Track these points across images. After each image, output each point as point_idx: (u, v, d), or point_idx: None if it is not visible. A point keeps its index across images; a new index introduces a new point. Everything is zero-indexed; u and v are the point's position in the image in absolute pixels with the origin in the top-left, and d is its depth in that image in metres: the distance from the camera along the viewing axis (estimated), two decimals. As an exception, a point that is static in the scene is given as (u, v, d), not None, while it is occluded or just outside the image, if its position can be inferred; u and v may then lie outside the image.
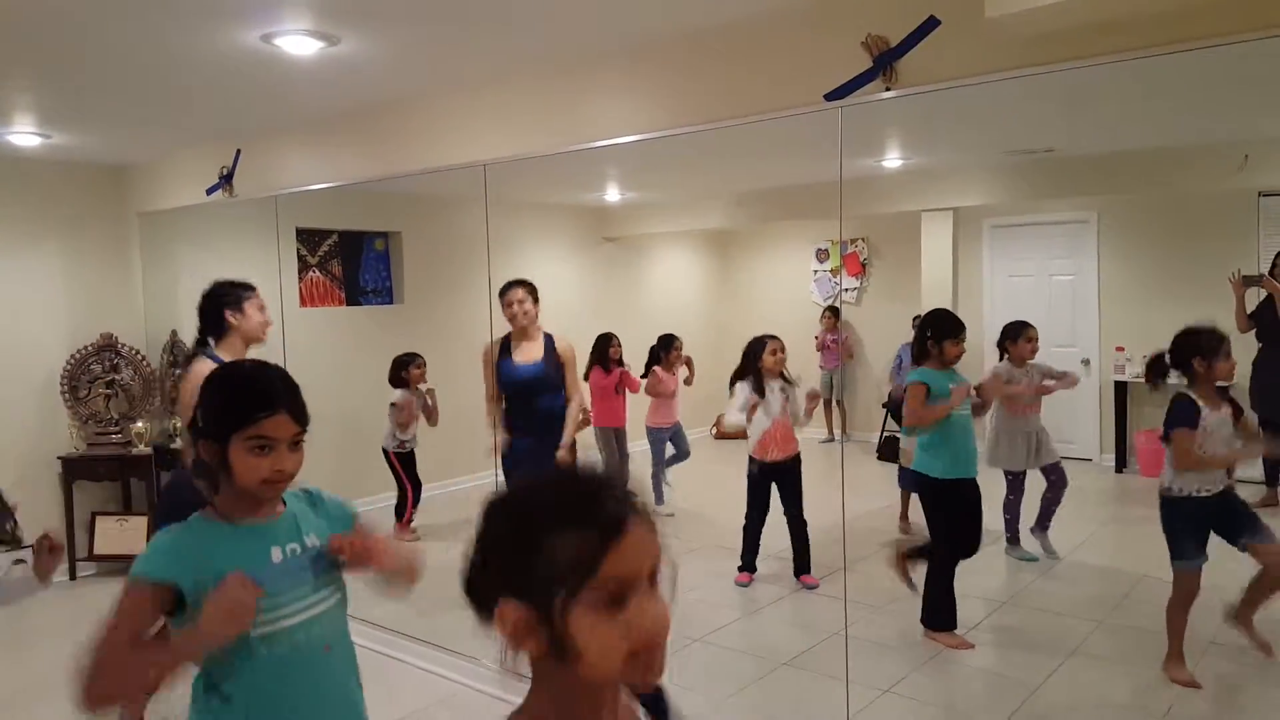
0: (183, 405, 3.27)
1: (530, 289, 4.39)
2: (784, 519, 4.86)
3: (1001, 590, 4.64)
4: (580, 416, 4.46)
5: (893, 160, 5.65)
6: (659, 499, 6.21)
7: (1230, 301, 5.33)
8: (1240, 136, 5.02)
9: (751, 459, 4.90)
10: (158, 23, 3.00)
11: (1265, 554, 3.44)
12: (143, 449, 5.62)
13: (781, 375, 4.88)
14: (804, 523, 4.82)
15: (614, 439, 6.24)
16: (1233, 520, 3.48)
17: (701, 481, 6.26)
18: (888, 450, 7.93)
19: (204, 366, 3.10)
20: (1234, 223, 6.61)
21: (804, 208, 7.12)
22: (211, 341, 3.38)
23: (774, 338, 4.93)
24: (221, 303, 3.37)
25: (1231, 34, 2.19)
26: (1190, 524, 3.46)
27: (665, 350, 6.27)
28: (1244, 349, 5.31)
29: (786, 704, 3.65)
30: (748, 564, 4.97)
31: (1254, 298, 5.36)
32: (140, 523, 5.61)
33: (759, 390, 4.82)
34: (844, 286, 9.03)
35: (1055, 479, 4.86)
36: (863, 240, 8.91)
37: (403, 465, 5.84)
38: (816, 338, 8.41)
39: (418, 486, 5.93)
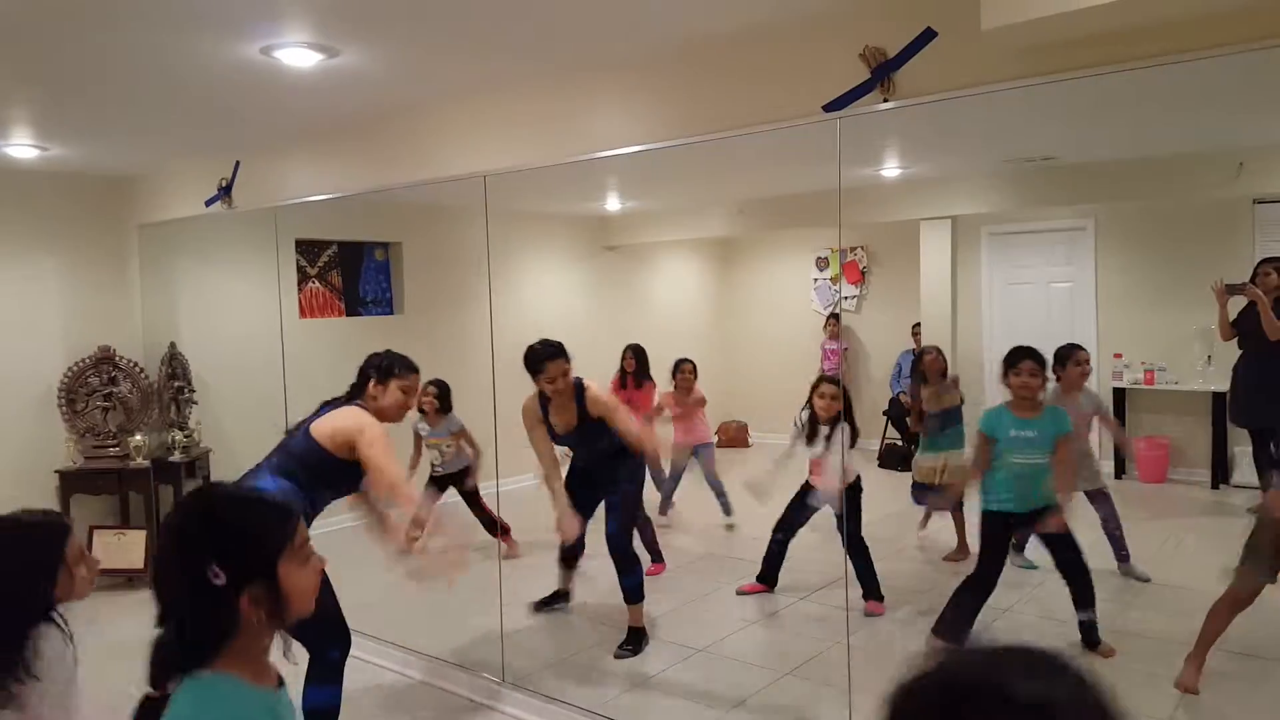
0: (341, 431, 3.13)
1: (565, 355, 4.04)
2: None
3: (1001, 597, 4.63)
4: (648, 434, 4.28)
5: (891, 169, 5.67)
6: (663, 509, 6.23)
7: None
8: (1235, 144, 5.05)
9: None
10: (157, 35, 3.01)
11: None
12: (141, 462, 5.62)
13: (840, 417, 4.58)
14: (865, 546, 4.62)
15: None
16: None
17: (704, 492, 6.26)
18: (888, 458, 7.93)
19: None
20: (1229, 230, 6.64)
21: (804, 216, 7.14)
22: (344, 400, 3.30)
23: (829, 381, 4.77)
24: (370, 371, 3.31)
25: (1225, 45, 2.21)
26: None
27: (674, 373, 6.21)
28: (1228, 355, 5.35)
29: (789, 714, 3.64)
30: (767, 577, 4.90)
31: (1238, 305, 5.39)
32: (139, 536, 5.60)
33: (809, 437, 4.69)
34: (844, 294, 9.05)
35: (1098, 504, 4.73)
36: (862, 248, 8.93)
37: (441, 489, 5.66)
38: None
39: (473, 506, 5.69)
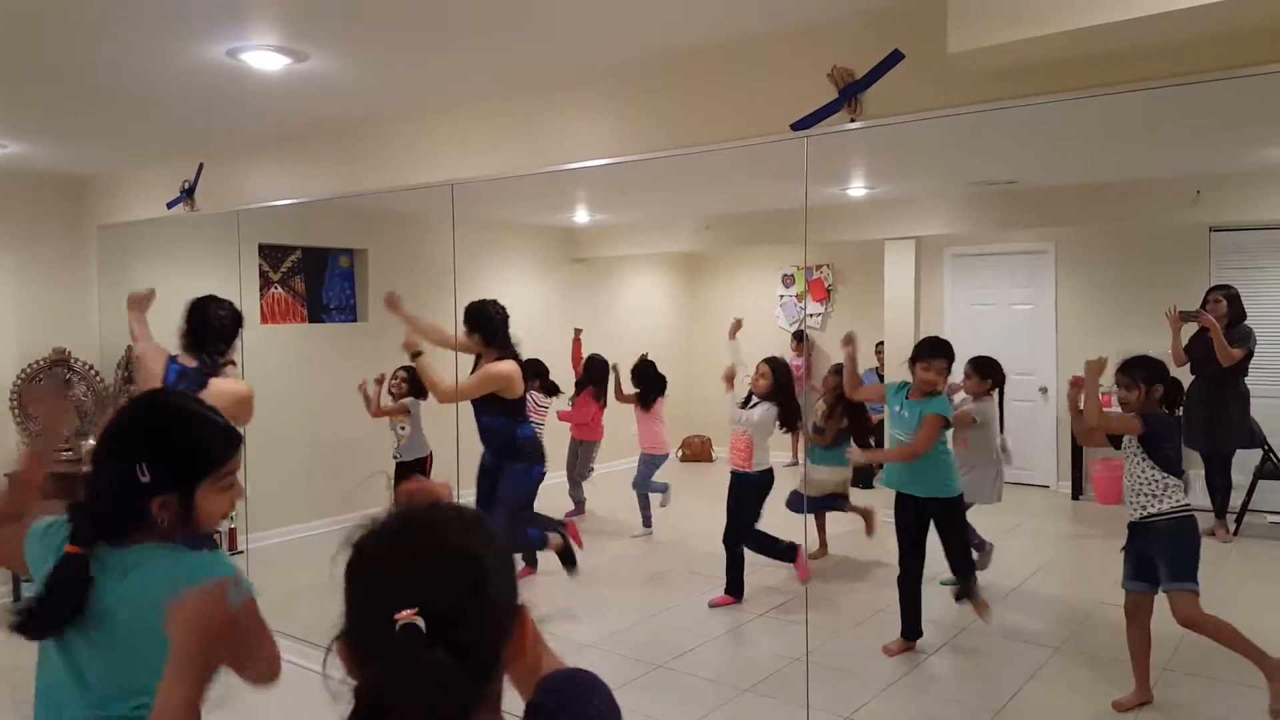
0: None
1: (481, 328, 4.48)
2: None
3: (960, 615, 4.66)
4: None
5: (857, 189, 5.72)
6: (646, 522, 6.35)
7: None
8: (1193, 172, 5.15)
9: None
10: (120, 34, 2.97)
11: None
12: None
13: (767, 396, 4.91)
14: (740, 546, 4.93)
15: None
16: None
17: (675, 505, 6.27)
18: (853, 475, 7.97)
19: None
20: (1186, 256, 6.76)
21: (770, 233, 7.18)
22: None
23: (766, 361, 5.05)
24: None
25: (1184, 75, 2.25)
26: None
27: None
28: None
29: (746, 730, 3.64)
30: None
31: (1192, 331, 5.50)
32: (91, 542, 5.49)
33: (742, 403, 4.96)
34: (809, 312, 9.11)
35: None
36: (828, 266, 8.99)
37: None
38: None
39: None
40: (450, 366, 4.55)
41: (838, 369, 5.57)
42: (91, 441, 5.53)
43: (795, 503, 5.29)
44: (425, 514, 1.03)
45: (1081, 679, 4.00)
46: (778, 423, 4.89)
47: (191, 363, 3.47)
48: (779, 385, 4.87)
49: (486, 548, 1.00)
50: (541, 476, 4.72)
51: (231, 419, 2.79)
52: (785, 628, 4.60)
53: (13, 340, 5.56)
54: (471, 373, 4.51)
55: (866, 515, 5.58)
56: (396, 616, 0.90)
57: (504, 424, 4.43)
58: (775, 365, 4.94)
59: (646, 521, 6.37)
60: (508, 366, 4.34)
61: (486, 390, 4.32)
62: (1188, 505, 3.53)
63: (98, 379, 5.79)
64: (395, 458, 5.75)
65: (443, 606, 0.92)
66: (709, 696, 3.91)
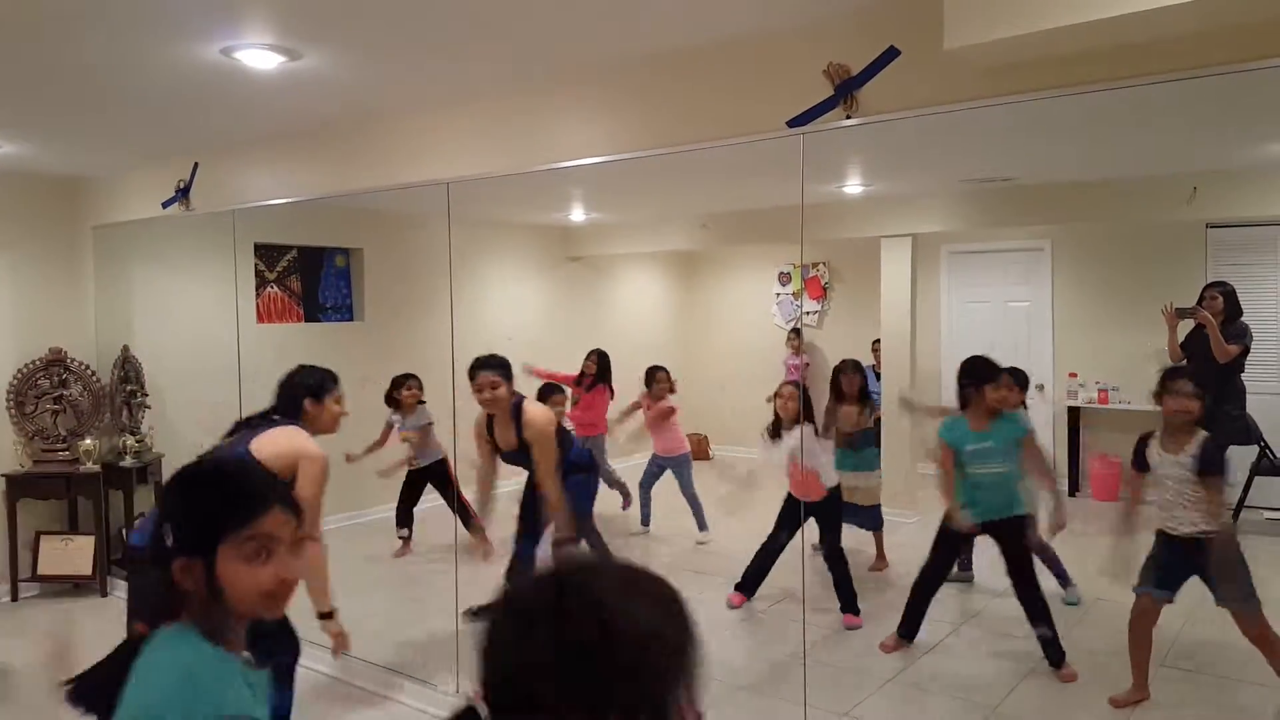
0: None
1: (501, 369, 4.02)
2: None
3: (958, 612, 4.67)
4: (561, 517, 4.06)
5: (854, 186, 5.72)
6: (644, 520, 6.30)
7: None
8: (1189, 169, 5.16)
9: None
10: (114, 33, 2.96)
11: None
12: (90, 467, 5.49)
13: (799, 417, 4.66)
14: (844, 557, 4.66)
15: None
16: None
17: (672, 503, 6.26)
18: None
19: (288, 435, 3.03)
20: (1183, 252, 6.78)
21: (767, 231, 7.18)
22: (278, 419, 3.15)
23: (788, 384, 4.92)
24: (304, 390, 3.19)
25: (1180, 71, 2.25)
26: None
27: (650, 381, 6.27)
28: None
29: (744, 728, 3.64)
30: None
31: (1188, 328, 5.51)
32: (86, 543, 5.48)
33: (773, 434, 4.77)
34: (805, 309, 9.11)
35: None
36: (824, 264, 9.00)
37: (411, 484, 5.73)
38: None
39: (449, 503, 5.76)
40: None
41: (856, 365, 5.54)
42: (89, 441, 5.54)
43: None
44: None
45: (1078, 673, 4.00)
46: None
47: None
48: (806, 403, 4.72)
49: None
50: (598, 483, 4.65)
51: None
52: (783, 626, 4.60)
53: (9, 340, 5.55)
54: (490, 430, 4.19)
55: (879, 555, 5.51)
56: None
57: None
58: (795, 385, 4.86)
59: (645, 520, 6.33)
60: (546, 416, 4.10)
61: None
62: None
63: (94, 378, 5.78)
64: (412, 465, 5.74)
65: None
66: (705, 693, 3.90)
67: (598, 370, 6.33)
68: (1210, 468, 3.42)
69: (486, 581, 5.04)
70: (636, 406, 6.29)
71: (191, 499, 1.40)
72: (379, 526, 5.96)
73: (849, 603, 4.61)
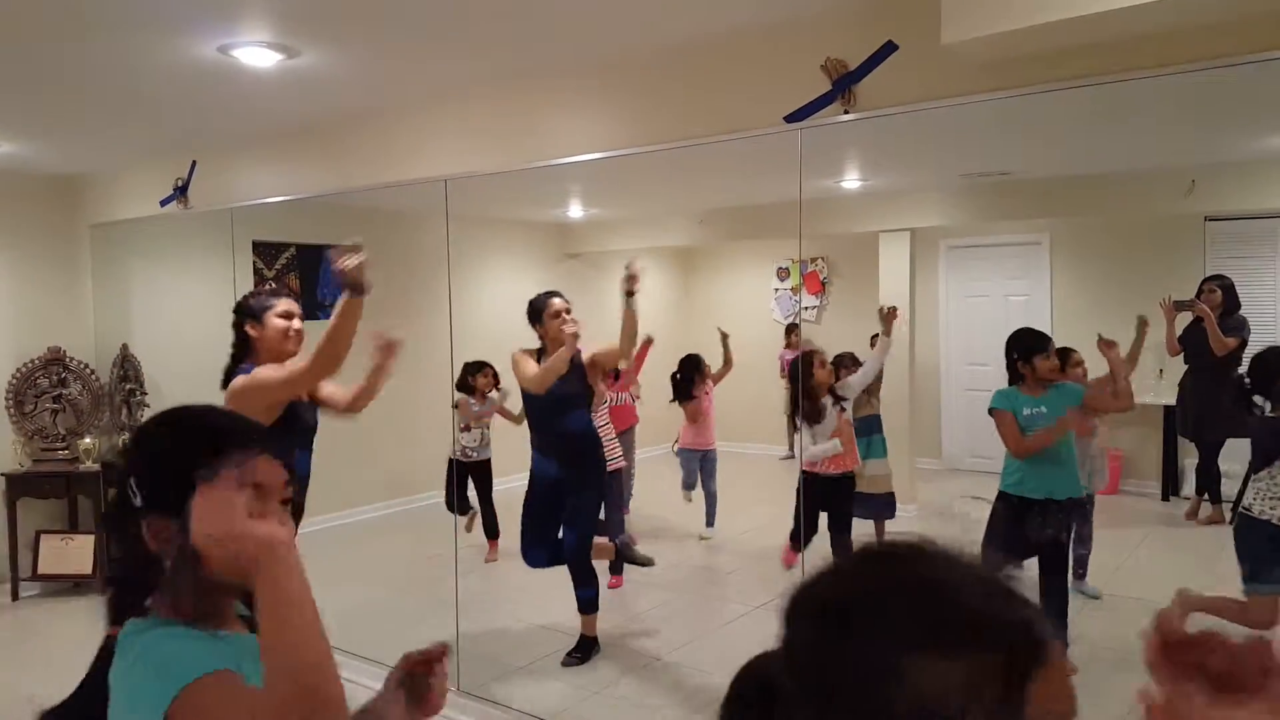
0: None
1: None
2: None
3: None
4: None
5: (851, 181, 5.72)
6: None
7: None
8: (1187, 162, 5.15)
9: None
10: (111, 31, 2.96)
11: None
12: (90, 465, 5.49)
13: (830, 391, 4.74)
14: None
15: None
16: None
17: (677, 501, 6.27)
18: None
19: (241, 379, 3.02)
20: (1181, 246, 6.78)
21: (765, 227, 7.17)
22: (247, 366, 3.18)
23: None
24: (242, 318, 3.21)
25: (1178, 63, 2.25)
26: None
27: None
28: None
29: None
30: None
31: (1185, 321, 5.52)
32: (87, 541, 5.48)
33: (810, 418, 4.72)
34: (804, 305, 9.11)
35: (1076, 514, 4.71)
36: (822, 259, 8.99)
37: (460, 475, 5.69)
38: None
39: (483, 502, 5.79)
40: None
41: (854, 358, 5.50)
42: (88, 440, 5.54)
43: None
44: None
45: (1082, 671, 4.00)
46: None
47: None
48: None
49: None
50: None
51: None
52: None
53: (8, 340, 5.55)
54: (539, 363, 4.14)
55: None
56: None
57: (587, 420, 4.24)
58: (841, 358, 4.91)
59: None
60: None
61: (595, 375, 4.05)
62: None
63: (93, 377, 5.78)
64: (467, 458, 5.69)
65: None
66: (713, 686, 3.91)
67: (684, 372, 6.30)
68: None
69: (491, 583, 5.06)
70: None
71: (161, 445, 1.18)
72: (420, 515, 5.95)
73: None
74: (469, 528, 5.76)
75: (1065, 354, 4.56)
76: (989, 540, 3.93)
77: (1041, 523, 3.78)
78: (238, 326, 3.21)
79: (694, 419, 6.15)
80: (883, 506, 5.37)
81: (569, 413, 4.13)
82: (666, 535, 6.17)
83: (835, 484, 4.66)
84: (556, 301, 4.12)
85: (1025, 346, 3.95)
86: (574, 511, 4.16)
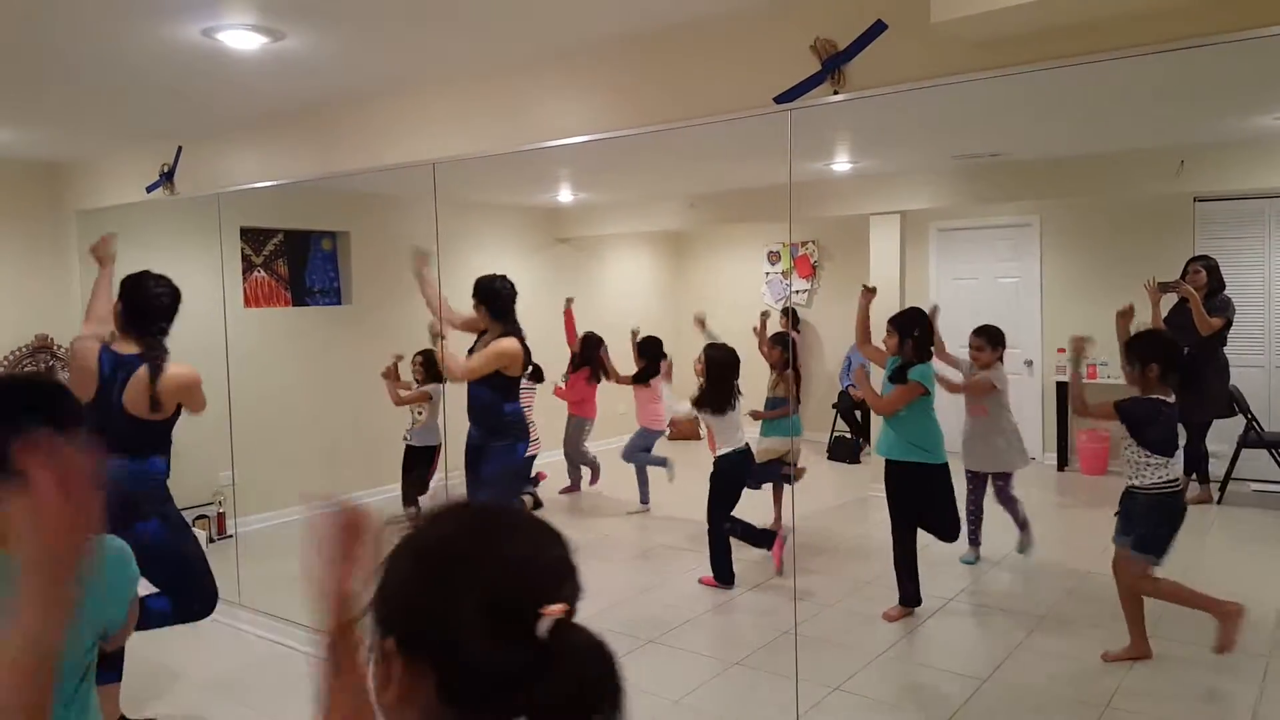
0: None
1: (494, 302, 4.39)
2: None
3: (948, 586, 4.70)
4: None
5: (842, 164, 5.71)
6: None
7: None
8: (1176, 143, 5.16)
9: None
10: (94, 14, 2.92)
11: None
12: (80, 453, 5.47)
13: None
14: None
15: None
16: None
17: (658, 481, 6.28)
18: (838, 450, 8.01)
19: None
20: (1171, 226, 6.79)
21: (755, 210, 7.17)
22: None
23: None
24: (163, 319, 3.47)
25: (1168, 42, 2.25)
26: None
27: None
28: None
29: (737, 704, 3.66)
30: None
31: (1170, 302, 5.53)
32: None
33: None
34: (795, 288, 9.11)
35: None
36: (813, 243, 8.99)
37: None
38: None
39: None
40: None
41: (778, 338, 5.63)
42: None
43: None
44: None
45: (1067, 646, 4.04)
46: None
47: (131, 349, 3.33)
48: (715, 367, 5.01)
49: None
50: (526, 454, 4.71)
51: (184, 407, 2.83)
52: (773, 601, 4.63)
53: (-6, 328, 5.51)
54: (470, 351, 4.47)
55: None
56: (544, 611, 0.82)
57: (493, 399, 4.41)
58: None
59: (645, 499, 6.38)
60: (512, 344, 4.27)
61: (492, 368, 4.24)
62: (1173, 481, 3.62)
63: (80, 365, 5.75)
64: (405, 439, 5.76)
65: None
66: (699, 670, 3.93)
67: (583, 352, 6.49)
68: (1137, 427, 3.69)
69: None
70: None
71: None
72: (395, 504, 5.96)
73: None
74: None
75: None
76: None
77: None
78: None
79: (655, 400, 6.26)
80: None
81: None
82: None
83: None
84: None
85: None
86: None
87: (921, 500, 4.28)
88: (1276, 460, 5.58)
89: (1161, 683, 3.64)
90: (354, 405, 6.47)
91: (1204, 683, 3.64)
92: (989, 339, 4.82)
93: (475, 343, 4.50)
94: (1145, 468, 3.63)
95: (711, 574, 4.84)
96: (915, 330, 4.37)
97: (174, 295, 3.47)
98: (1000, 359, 4.84)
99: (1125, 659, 3.70)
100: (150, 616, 3.23)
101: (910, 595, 4.31)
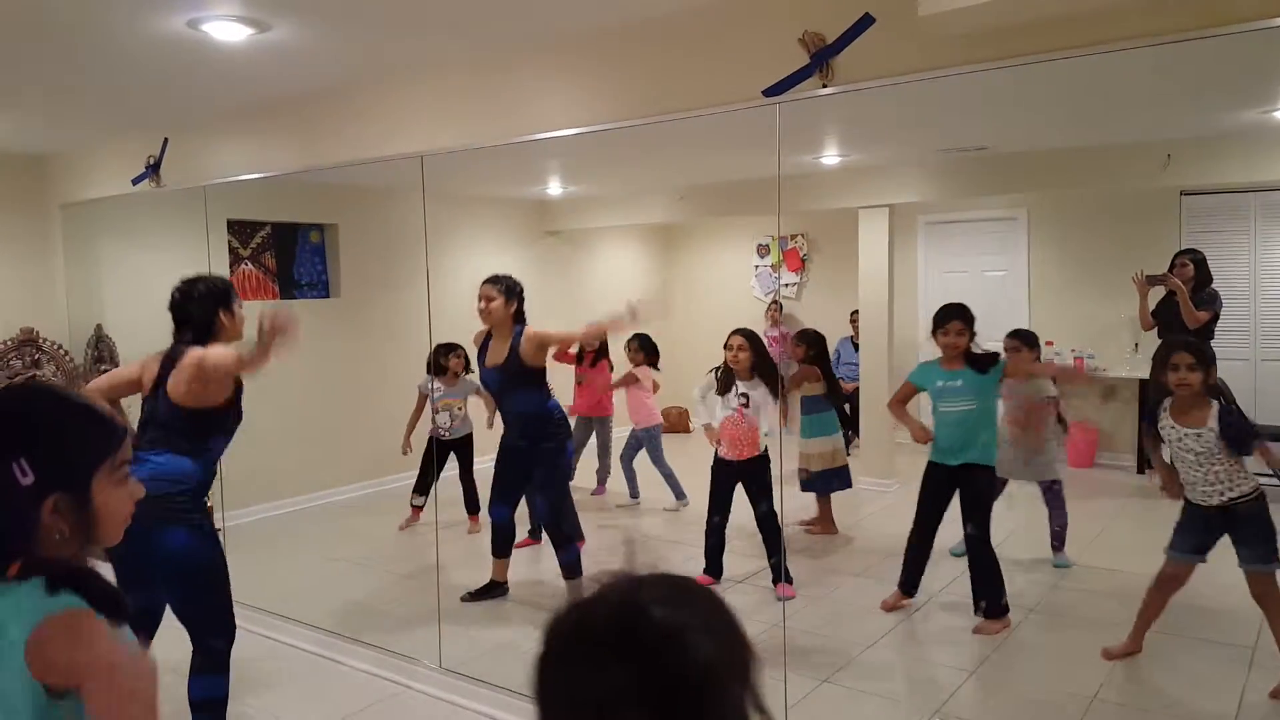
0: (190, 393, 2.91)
1: (503, 285, 4.29)
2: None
3: (938, 578, 4.72)
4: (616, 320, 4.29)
5: (831, 157, 5.72)
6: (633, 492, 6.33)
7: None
8: (1163, 136, 5.18)
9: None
10: (79, 5, 2.90)
11: None
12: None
13: (753, 376, 4.61)
14: (776, 527, 4.54)
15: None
16: None
17: (648, 475, 6.28)
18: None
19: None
20: (1158, 220, 6.83)
21: (745, 203, 7.17)
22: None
23: (737, 332, 4.68)
24: (221, 301, 3.08)
25: (1155, 35, 2.25)
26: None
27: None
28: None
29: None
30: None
31: (1158, 295, 5.57)
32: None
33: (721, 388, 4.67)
34: (784, 282, 9.12)
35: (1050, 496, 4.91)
36: (802, 236, 9.00)
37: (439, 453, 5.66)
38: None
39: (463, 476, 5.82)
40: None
41: (802, 335, 5.59)
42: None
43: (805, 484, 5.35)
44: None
45: (1056, 638, 4.07)
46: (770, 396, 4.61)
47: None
48: (762, 355, 4.64)
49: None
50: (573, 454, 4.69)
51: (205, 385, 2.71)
52: (763, 594, 4.64)
53: (-22, 321, 5.47)
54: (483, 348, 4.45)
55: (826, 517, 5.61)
56: None
57: (538, 397, 4.34)
58: (746, 333, 4.67)
59: (634, 493, 6.31)
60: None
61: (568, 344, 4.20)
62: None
63: (66, 358, 5.72)
64: (443, 435, 5.67)
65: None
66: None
67: (599, 344, 6.18)
68: (1237, 438, 3.32)
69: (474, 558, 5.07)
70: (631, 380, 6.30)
71: (60, 428, 1.29)
72: (397, 495, 5.96)
73: (780, 571, 4.53)
74: (408, 523, 5.82)
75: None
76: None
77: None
78: (207, 309, 3.05)
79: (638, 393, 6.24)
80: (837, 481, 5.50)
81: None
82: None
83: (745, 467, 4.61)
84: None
85: (934, 322, 4.27)
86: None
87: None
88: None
89: (1148, 673, 3.67)
90: (341, 399, 6.46)
91: (1191, 672, 3.66)
92: (1026, 342, 4.79)
93: (482, 351, 4.45)
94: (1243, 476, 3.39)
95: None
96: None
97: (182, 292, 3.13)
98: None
99: (1124, 654, 3.70)
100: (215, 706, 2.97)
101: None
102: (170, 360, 2.97)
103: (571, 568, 4.34)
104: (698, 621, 0.86)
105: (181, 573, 2.84)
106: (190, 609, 2.93)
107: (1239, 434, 3.32)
